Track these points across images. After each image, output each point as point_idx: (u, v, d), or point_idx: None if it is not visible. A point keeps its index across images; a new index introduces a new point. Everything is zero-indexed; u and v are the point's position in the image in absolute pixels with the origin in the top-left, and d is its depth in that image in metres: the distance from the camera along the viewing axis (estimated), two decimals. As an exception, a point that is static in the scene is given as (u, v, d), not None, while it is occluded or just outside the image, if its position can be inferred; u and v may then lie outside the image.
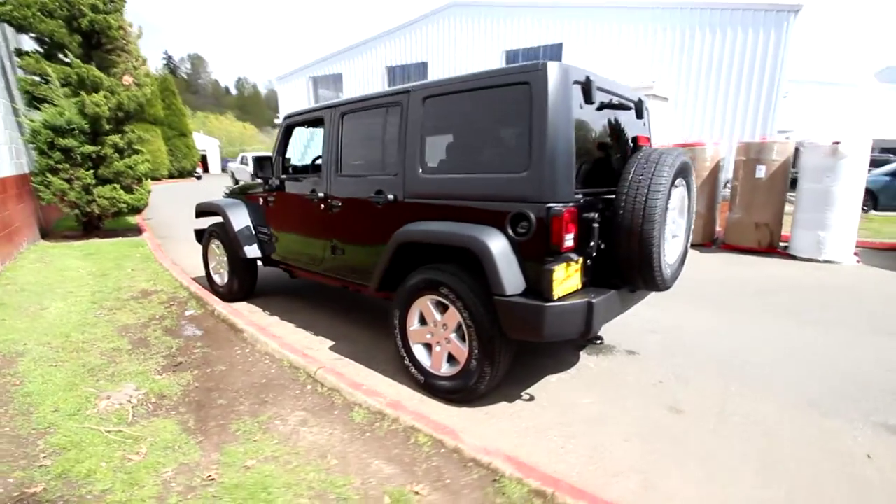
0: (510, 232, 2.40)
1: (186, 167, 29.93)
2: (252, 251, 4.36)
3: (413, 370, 2.88)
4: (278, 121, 28.41)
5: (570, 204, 2.30)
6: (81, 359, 3.20)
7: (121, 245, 7.22)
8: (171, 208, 12.57)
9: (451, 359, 2.76)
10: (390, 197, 2.94)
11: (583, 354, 3.43)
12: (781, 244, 7.06)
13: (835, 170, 5.99)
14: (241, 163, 23.35)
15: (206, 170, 39.27)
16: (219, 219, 4.90)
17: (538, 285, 2.32)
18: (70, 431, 2.33)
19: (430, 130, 2.76)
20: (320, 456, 2.17)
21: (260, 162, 3.86)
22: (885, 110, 23.30)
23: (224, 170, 41.75)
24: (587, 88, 2.42)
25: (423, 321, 2.88)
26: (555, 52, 18.34)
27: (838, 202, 6.04)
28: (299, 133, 4.14)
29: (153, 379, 2.96)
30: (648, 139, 2.97)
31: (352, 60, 24.10)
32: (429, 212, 2.76)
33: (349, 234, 3.33)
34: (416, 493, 1.90)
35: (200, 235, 5.06)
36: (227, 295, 4.65)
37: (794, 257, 6.57)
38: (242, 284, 4.63)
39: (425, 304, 2.79)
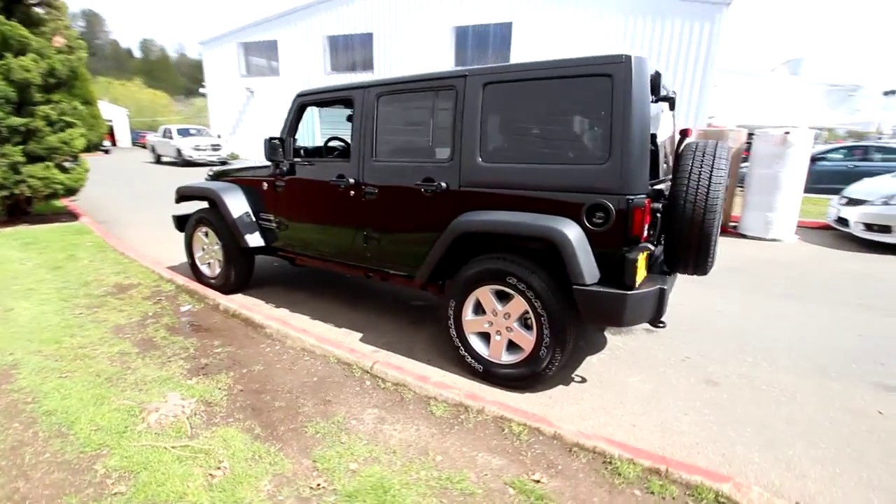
0: (585, 222, 2.46)
1: (93, 140, 26.63)
2: (254, 239, 4.05)
3: (470, 360, 2.88)
4: (204, 90, 26.08)
5: (646, 196, 2.39)
6: (90, 367, 2.84)
7: (61, 232, 6.36)
8: (96, 188, 11.19)
9: (511, 346, 2.80)
10: (443, 185, 2.86)
11: (607, 335, 3.62)
12: (731, 224, 7.80)
13: (783, 157, 6.68)
14: (165, 136, 21.21)
15: (113, 143, 35.12)
16: (202, 204, 4.52)
17: (618, 274, 2.40)
18: (129, 451, 2.08)
19: (491, 118, 2.71)
20: (421, 453, 2.13)
21: (272, 144, 3.56)
22: (792, 99, 26.10)
23: (136, 143, 37.67)
24: (656, 82, 2.49)
25: (478, 311, 2.88)
26: (504, 30, 18.41)
27: (784, 186, 6.77)
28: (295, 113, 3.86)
29: (185, 384, 2.71)
30: (691, 130, 3.13)
31: (288, 27, 22.52)
32: (488, 201, 2.73)
33: (388, 222, 3.20)
34: (537, 481, 1.94)
35: (182, 222, 4.60)
36: (222, 287, 4.31)
37: (743, 236, 7.30)
38: (240, 275, 4.30)
39: (485, 293, 2.78)
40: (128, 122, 41.42)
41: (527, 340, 2.69)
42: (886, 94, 31.00)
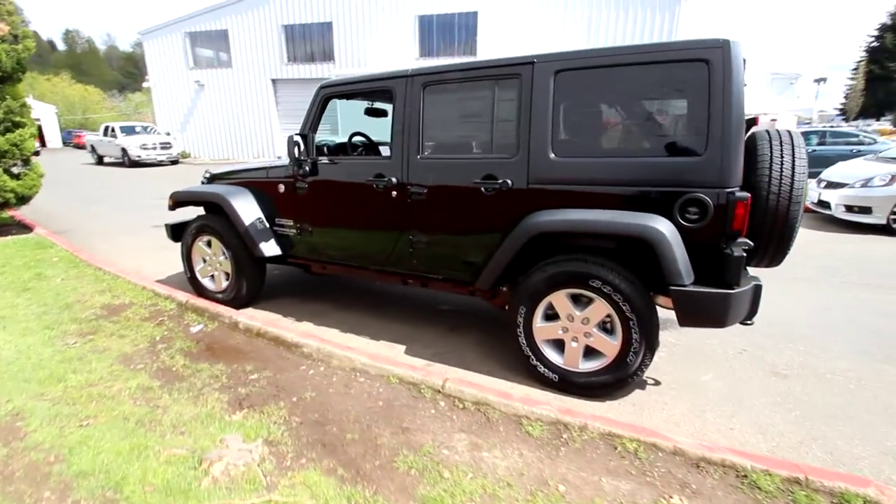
0: (678, 218, 2.31)
1: (21, 140, 24.20)
2: (270, 248, 3.66)
3: (543, 370, 2.69)
4: (147, 83, 24.21)
5: (740, 188, 2.27)
6: (112, 409, 2.42)
7: (17, 247, 5.59)
8: (41, 194, 10.08)
9: (588, 353, 2.63)
10: (508, 182, 2.63)
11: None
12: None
13: (770, 143, 6.88)
14: (106, 135, 19.54)
15: (42, 143, 32.09)
16: (196, 211, 4.06)
17: (718, 272, 2.28)
18: (203, 514, 1.74)
19: (565, 109, 2.50)
20: (540, 483, 1.92)
21: (295, 142, 3.18)
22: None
23: (68, 143, 34.60)
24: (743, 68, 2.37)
25: (549, 317, 2.69)
26: (470, 20, 18.16)
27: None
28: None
29: (231, 421, 2.36)
30: (759, 118, 3.04)
31: (240, 15, 21.24)
32: (561, 199, 2.53)
33: (440, 225, 2.93)
34: (678, 505, 1.79)
35: (178, 232, 4.10)
36: (231, 301, 3.88)
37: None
38: (252, 287, 3.89)
39: (560, 298, 2.59)
40: (57, 121, 38.00)
41: (609, 346, 2.53)
42: (817, 81, 33.38)
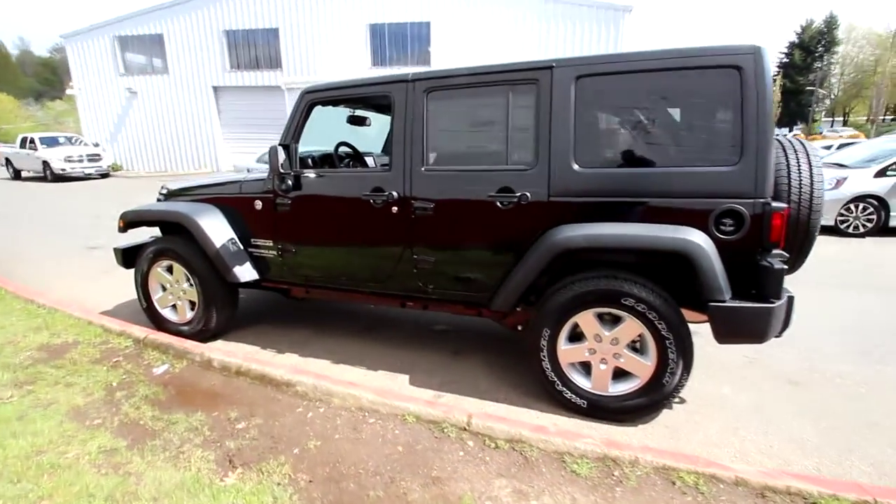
0: (713, 230, 2.20)
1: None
2: (245, 272, 3.25)
3: (569, 395, 2.50)
4: (71, 91, 22.18)
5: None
6: (72, 483, 1.95)
7: (-80, 278, 4.72)
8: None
9: (617, 375, 2.47)
10: (528, 196, 2.43)
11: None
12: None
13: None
14: (24, 147, 17.62)
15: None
16: (149, 232, 3.59)
17: (756, 286, 2.19)
18: None
19: (588, 116, 2.34)
20: (605, 535, 1.71)
21: (277, 153, 2.83)
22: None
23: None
24: None
25: (574, 338, 2.51)
26: (423, 30, 18.10)
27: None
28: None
29: (225, 487, 1.98)
30: None
31: (176, 19, 19.99)
32: (586, 212, 2.36)
33: (450, 242, 2.68)
34: (760, 547, 1.63)
35: (130, 257, 3.58)
36: (199, 334, 3.42)
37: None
38: (222, 317, 3.44)
39: (588, 318, 2.42)
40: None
41: (642, 367, 2.38)
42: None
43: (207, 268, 3.28)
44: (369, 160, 3.78)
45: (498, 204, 2.50)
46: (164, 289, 3.55)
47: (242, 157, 15.59)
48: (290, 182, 2.97)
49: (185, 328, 3.46)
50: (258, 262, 3.29)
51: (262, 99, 20.32)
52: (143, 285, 3.54)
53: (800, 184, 2.41)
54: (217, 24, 19.76)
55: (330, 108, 3.27)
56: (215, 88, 20.83)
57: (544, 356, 2.51)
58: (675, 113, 2.24)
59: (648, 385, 2.37)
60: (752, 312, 2.15)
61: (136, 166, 21.69)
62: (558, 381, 2.51)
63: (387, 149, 4.40)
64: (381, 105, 3.49)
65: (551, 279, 2.50)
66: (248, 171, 4.18)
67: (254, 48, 20.33)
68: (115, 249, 3.62)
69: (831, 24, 49.21)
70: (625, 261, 2.42)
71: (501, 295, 2.55)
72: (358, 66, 18.84)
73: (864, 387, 2.84)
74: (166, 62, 20.53)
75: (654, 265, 2.42)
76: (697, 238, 2.15)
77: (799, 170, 2.42)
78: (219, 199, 3.35)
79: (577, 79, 2.32)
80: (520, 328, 2.85)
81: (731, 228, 2.19)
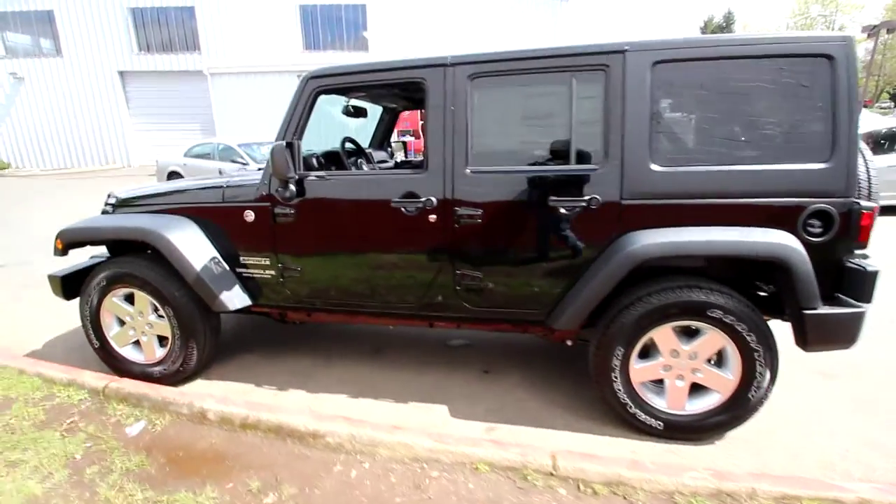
0: (801, 233, 2.04)
1: None
2: (235, 298, 2.67)
3: (644, 418, 2.27)
4: (-68, 75, 18.58)
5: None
6: None
7: None
8: None
9: (693, 391, 2.28)
10: (597, 199, 2.13)
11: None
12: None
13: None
14: None
15: None
16: (96, 251, 2.90)
17: (847, 290, 2.07)
18: None
19: (666, 108, 2.08)
20: None
21: (283, 154, 2.28)
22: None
23: None
24: None
25: (646, 354, 2.28)
26: (358, 13, 17.22)
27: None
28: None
29: None
30: None
31: (69, -7, 17.39)
32: (663, 216, 2.12)
33: (502, 255, 2.32)
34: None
35: (75, 284, 2.84)
36: (174, 375, 2.80)
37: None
38: (204, 353, 2.83)
39: (665, 333, 2.19)
40: None
41: (724, 382, 2.20)
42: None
43: (184, 295, 2.66)
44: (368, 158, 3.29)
45: (561, 210, 2.18)
46: (122, 323, 2.86)
47: (163, 150, 13.92)
48: (293, 188, 2.44)
49: (156, 369, 2.81)
50: (250, 285, 2.72)
51: (180, 85, 18.39)
52: (93, 320, 2.82)
53: (869, 178, 2.32)
54: (120, 0, 17.45)
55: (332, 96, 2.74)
56: (122, 73, 18.54)
57: (616, 377, 2.25)
58: (763, 105, 2.04)
59: (731, 400, 2.20)
60: (848, 318, 2.03)
61: (29, 164, 18.81)
62: (631, 404, 2.27)
63: (375, 143, 3.96)
64: (406, 95, 3.02)
65: (616, 291, 2.24)
66: (221, 172, 3.48)
67: (166, 28, 18.29)
68: (51, 277, 2.84)
69: (729, 20, 53.98)
70: (698, 267, 2.22)
71: (567, 312, 2.24)
72: (289, 49, 17.56)
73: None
74: (58, 43, 17.87)
75: (734, 272, 2.25)
76: (793, 242, 1.98)
77: (867, 164, 2.34)
78: (195, 210, 2.71)
79: (655, 65, 2.04)
80: (569, 343, 2.58)
81: (820, 230, 2.04)
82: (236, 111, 15.72)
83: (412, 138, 10.83)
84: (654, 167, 2.08)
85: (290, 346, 3.36)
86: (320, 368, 3.04)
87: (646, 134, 2.07)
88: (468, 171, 2.26)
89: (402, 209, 2.35)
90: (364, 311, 2.66)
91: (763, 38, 1.99)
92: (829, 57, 1.94)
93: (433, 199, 2.30)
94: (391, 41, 16.63)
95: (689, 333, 2.23)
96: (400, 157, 4.40)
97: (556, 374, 2.90)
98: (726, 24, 54.22)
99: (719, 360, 2.23)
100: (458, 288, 2.41)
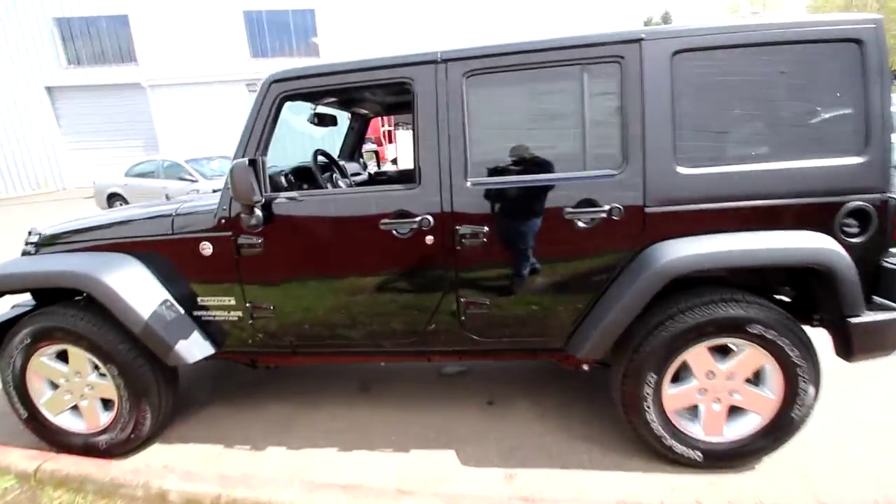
0: (838, 233, 1.86)
1: None
2: (194, 348, 2.25)
3: (681, 450, 2.02)
4: None
5: None
6: None
7: None
8: None
9: (730, 413, 2.06)
10: (619, 208, 1.87)
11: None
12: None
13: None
14: None
15: None
16: (22, 299, 2.43)
17: (886, 292, 1.90)
18: None
19: (689, 103, 1.84)
20: None
21: (246, 173, 1.90)
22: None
23: None
24: None
25: (676, 378, 2.04)
26: (307, 18, 16.64)
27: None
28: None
29: None
30: None
31: (-17, 3, 15.86)
32: (691, 222, 1.89)
33: (513, 278, 2.02)
34: None
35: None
36: (124, 444, 2.33)
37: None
38: (159, 414, 2.37)
39: (700, 353, 1.96)
40: None
41: (764, 402, 1.99)
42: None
43: (131, 348, 2.21)
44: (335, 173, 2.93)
45: (579, 223, 1.91)
46: (55, 386, 2.36)
47: (101, 170, 12.84)
48: (259, 213, 2.05)
49: (102, 438, 2.33)
50: (212, 330, 2.30)
51: (117, 99, 17.15)
52: (18, 386, 2.31)
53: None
54: (43, 10, 16.09)
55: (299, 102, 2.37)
56: (49, 89, 17.09)
57: (648, 407, 2.00)
58: (791, 96, 1.84)
59: (774, 421, 1.99)
60: (892, 324, 1.86)
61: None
62: (667, 435, 2.02)
63: (345, 154, 3.59)
64: (384, 99, 2.67)
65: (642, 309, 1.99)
66: (167, 197, 3.02)
67: (97, 40, 17.04)
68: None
69: (666, 19, 56.51)
70: (726, 277, 2.02)
71: (591, 338, 1.97)
72: (235, 57, 16.72)
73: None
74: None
75: (755, 278, 2.05)
76: (835, 246, 1.79)
77: None
78: (138, 245, 2.26)
79: (675, 55, 1.81)
80: (585, 368, 2.32)
81: (857, 230, 1.86)
82: (181, 125, 14.77)
83: (374, 145, 10.43)
84: (680, 169, 1.85)
85: (263, 389, 2.93)
86: (301, 416, 2.64)
87: (668, 133, 1.83)
88: (468, 183, 1.95)
89: (393, 231, 2.02)
90: (351, 351, 2.30)
91: (789, 22, 1.80)
92: (857, 41, 1.77)
93: (429, 218, 1.97)
94: (343, 47, 16.15)
95: (724, 351, 2.02)
96: (372, 167, 4.04)
97: (570, 400, 2.63)
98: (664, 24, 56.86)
99: (756, 377, 2.02)
100: (462, 318, 2.09)
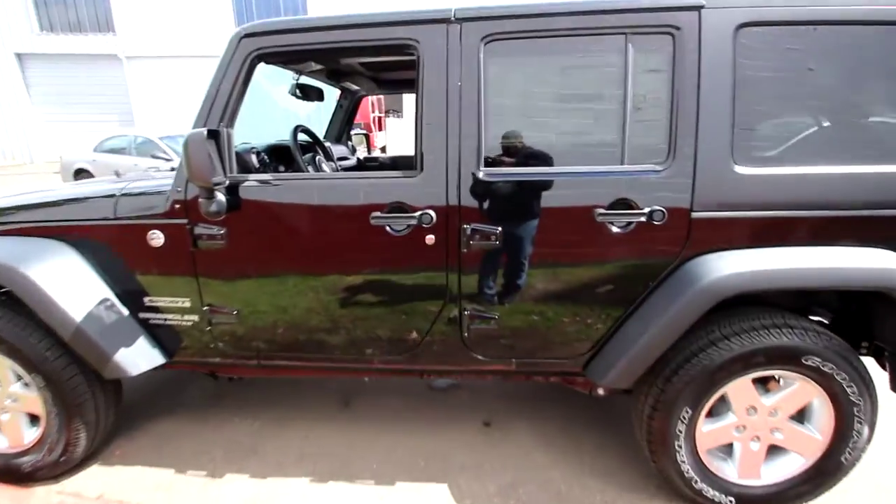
0: (906, 249, 1.58)
1: None
2: (139, 358, 1.88)
3: (713, 494, 1.74)
4: None
5: None
6: None
7: None
8: None
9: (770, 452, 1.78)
10: (662, 212, 1.55)
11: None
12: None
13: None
14: None
15: None
16: None
17: None
18: None
19: (754, 88, 1.53)
20: None
21: (204, 147, 1.52)
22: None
23: None
24: None
25: (712, 412, 1.74)
26: (297, 2, 15.90)
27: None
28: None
29: None
30: None
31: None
32: (746, 233, 1.58)
33: (527, 289, 1.69)
34: None
35: None
36: (57, 466, 1.95)
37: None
38: (98, 431, 2.00)
39: (743, 385, 1.67)
40: None
41: (810, 442, 1.71)
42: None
43: (60, 356, 1.82)
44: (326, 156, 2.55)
45: (612, 227, 1.59)
46: (-35, 398, 1.96)
47: (73, 144, 12.08)
48: (222, 197, 1.67)
49: (26, 460, 1.95)
50: (162, 336, 1.93)
51: (91, 70, 16.27)
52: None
53: None
54: None
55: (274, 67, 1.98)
56: (19, 56, 16.13)
57: (680, 446, 1.70)
58: (878, 84, 1.54)
59: (820, 464, 1.72)
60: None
61: None
62: (697, 478, 1.73)
63: (331, 137, 3.20)
64: (378, 71, 2.30)
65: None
66: (118, 174, 2.60)
67: (73, 6, 16.09)
68: None
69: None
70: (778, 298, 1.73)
71: (618, 365, 1.66)
72: (219, 31, 15.92)
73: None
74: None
75: (795, 298, 1.77)
76: (913, 264, 1.51)
77: None
78: (73, 230, 1.86)
79: (740, 28, 1.49)
80: (601, 392, 2.01)
81: (934, 246, 1.58)
82: (159, 100, 14.02)
83: (363, 131, 9.96)
84: (739, 169, 1.53)
85: (226, 402, 2.56)
86: (270, 436, 2.28)
87: (727, 123, 1.52)
88: (481, 173, 1.61)
89: (387, 228, 1.66)
90: (330, 366, 1.95)
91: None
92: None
93: (431, 214, 1.62)
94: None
95: (763, 381, 1.73)
96: (361, 152, 3.66)
97: (577, 423, 2.33)
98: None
99: (800, 413, 1.74)
100: (465, 334, 1.76)
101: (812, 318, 1.87)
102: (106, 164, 8.47)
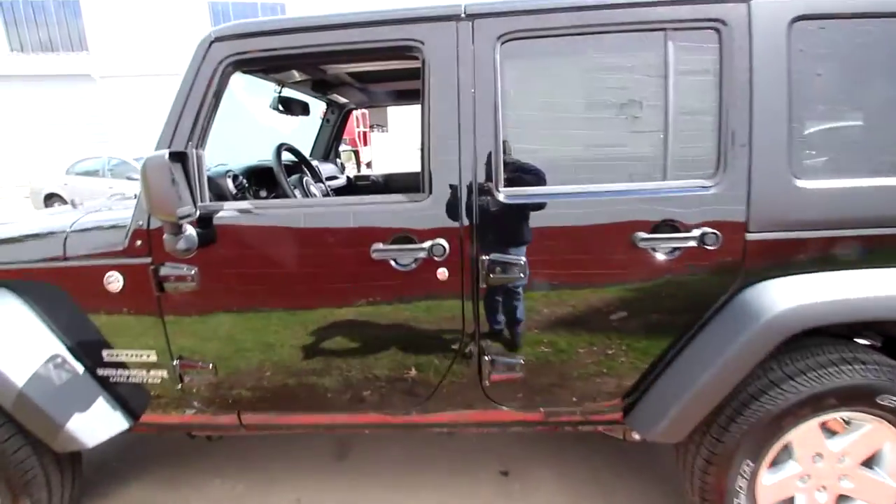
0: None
1: None
2: (98, 424, 1.58)
3: (776, 558, 1.50)
4: None
5: None
6: None
7: None
8: None
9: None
10: (714, 235, 1.33)
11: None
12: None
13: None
14: None
15: None
16: None
17: None
18: None
19: (814, 89, 1.33)
20: None
21: (169, 171, 1.25)
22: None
23: None
24: None
25: (773, 462, 1.51)
26: (276, 13, 15.68)
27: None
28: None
29: None
30: None
31: None
32: (813, 256, 1.37)
33: (559, 326, 1.45)
34: None
35: None
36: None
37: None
38: (52, 510, 1.68)
39: (810, 430, 1.44)
40: None
41: (884, 490, 1.49)
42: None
43: (1, 425, 1.51)
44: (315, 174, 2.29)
45: (656, 254, 1.36)
46: None
47: (41, 169, 11.58)
48: (191, 231, 1.40)
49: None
50: (126, 395, 1.63)
51: (64, 90, 15.76)
52: None
53: None
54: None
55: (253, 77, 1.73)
56: (-12, 77, 15.55)
57: (741, 502, 1.46)
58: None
59: (896, 517, 1.49)
60: None
61: None
62: (758, 541, 1.49)
63: (318, 154, 2.95)
64: (372, 82, 2.06)
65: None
66: (73, 204, 2.29)
67: (45, 25, 15.63)
68: None
69: None
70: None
71: (668, 414, 1.41)
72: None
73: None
74: None
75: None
76: None
77: None
78: (15, 274, 1.57)
79: (794, 21, 1.29)
80: (636, 437, 1.76)
81: None
82: (134, 120, 13.60)
83: (351, 148, 9.72)
84: (799, 182, 1.32)
85: (205, 459, 2.24)
86: (256, 500, 1.98)
87: (784, 131, 1.31)
88: (501, 195, 1.37)
89: (391, 262, 1.41)
90: (321, 424, 1.67)
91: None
92: None
93: (443, 244, 1.37)
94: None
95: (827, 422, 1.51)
96: (351, 170, 3.41)
97: (606, 471, 2.07)
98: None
99: (875, 461, 1.52)
100: (485, 382, 1.50)
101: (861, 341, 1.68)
102: (78, 187, 8.08)
